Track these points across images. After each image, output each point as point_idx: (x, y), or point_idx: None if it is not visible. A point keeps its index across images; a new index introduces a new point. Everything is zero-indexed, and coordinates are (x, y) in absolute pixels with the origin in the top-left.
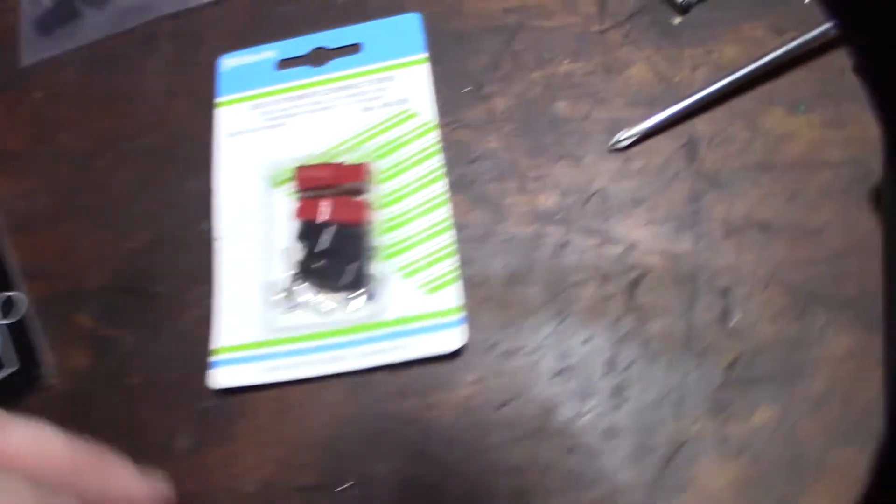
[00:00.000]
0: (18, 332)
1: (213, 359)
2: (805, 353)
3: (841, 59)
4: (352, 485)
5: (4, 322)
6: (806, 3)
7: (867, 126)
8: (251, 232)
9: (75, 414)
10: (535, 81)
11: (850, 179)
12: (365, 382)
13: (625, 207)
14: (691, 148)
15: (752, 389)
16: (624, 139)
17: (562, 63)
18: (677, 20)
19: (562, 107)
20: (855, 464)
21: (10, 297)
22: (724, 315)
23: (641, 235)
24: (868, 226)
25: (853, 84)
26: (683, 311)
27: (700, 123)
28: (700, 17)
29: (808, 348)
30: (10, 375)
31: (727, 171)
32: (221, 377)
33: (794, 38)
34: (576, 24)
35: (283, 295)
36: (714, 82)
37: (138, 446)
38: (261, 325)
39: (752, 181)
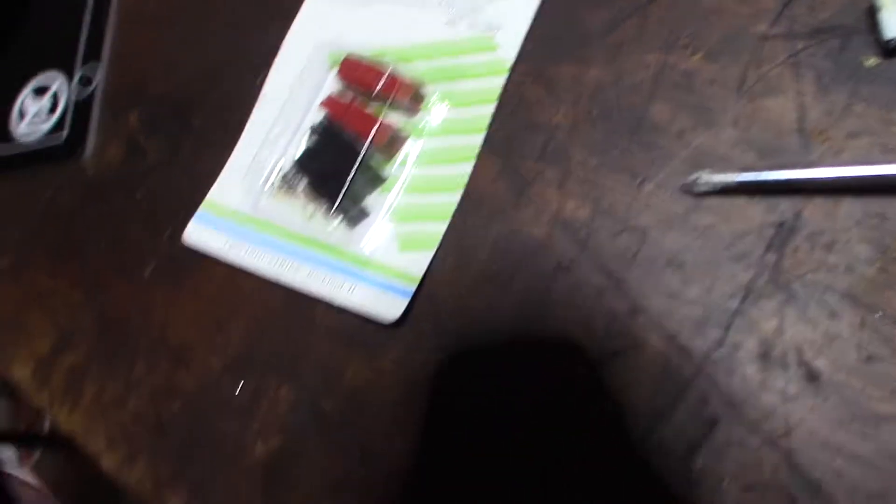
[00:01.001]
0: (82, 107)
1: (199, 210)
2: None
3: None
4: (244, 389)
5: (77, 94)
6: None
7: None
8: (290, 104)
9: (90, 200)
10: (647, 64)
11: None
12: (304, 304)
13: (656, 264)
14: (784, 233)
15: None
16: (703, 183)
17: (692, 55)
18: (872, 61)
19: (658, 109)
20: None
21: (92, 68)
22: (692, 450)
23: (656, 305)
24: None
25: None
26: (648, 419)
27: (815, 208)
28: None
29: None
30: (60, 145)
31: (811, 282)
32: (195, 233)
33: None
34: (740, 14)
35: (282, 179)
36: (867, 163)
37: (119, 258)
38: (250, 198)
39: (833, 311)
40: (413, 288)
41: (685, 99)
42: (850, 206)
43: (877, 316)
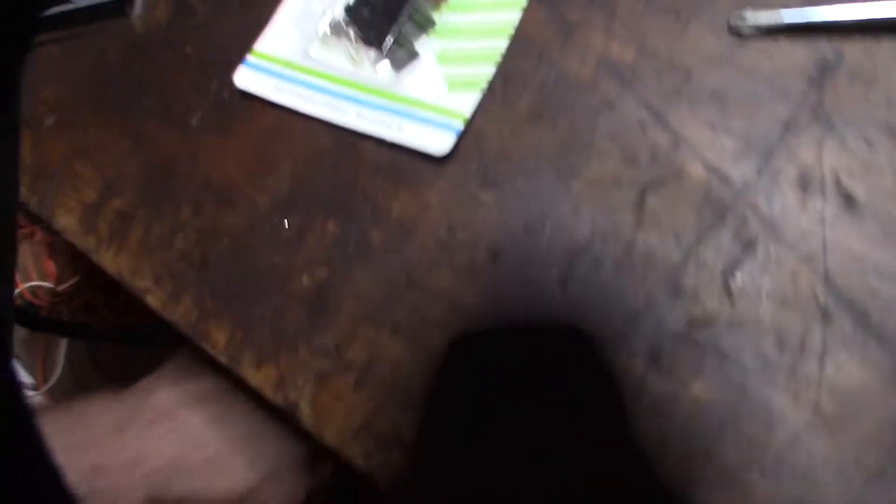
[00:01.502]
0: None
1: (247, 58)
2: (790, 359)
3: None
4: (292, 226)
5: None
6: None
7: None
8: None
9: (137, 59)
10: None
11: None
12: (353, 143)
13: (701, 99)
14: (824, 70)
15: (704, 358)
16: (749, 22)
17: None
18: None
19: None
20: None
21: None
22: (732, 268)
23: (699, 137)
24: None
25: None
26: (690, 240)
27: (854, 47)
28: None
29: (801, 357)
30: (107, 2)
31: (850, 116)
32: (244, 77)
33: None
34: None
35: (330, 28)
36: None
37: (166, 110)
38: (299, 47)
39: (869, 142)
40: (462, 124)
41: None
42: (890, 44)
43: None
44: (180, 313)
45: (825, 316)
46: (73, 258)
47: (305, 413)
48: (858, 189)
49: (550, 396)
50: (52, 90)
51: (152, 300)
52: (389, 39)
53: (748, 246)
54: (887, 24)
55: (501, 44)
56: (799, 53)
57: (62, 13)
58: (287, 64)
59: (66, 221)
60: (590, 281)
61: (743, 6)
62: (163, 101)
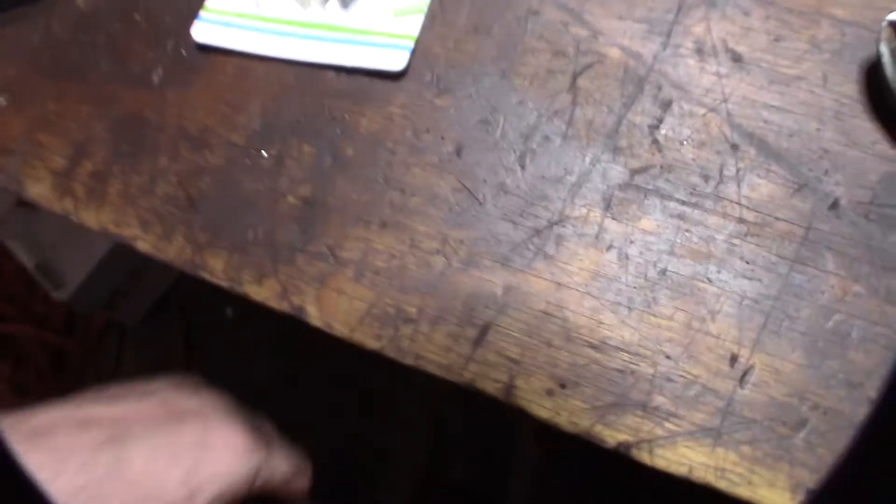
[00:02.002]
0: None
1: (201, 14)
2: (713, 186)
3: None
4: (270, 155)
5: None
6: None
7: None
8: None
9: (85, 30)
10: None
11: (848, 43)
12: (314, 75)
13: None
14: None
15: (648, 198)
16: None
17: None
18: None
19: None
20: (710, 301)
21: None
22: (656, 124)
23: (611, 27)
24: (843, 93)
25: None
26: (618, 108)
27: None
28: None
29: (721, 183)
30: None
31: None
32: (201, 31)
33: None
34: None
35: None
36: None
37: (124, 72)
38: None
39: (745, 11)
40: (412, 43)
41: None
42: None
43: (776, 8)
44: (174, 252)
45: (734, 148)
46: None
47: (312, 314)
48: (742, 48)
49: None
50: (0, 71)
51: (143, 245)
52: None
53: (665, 105)
54: None
55: None
56: None
57: None
58: (239, 14)
59: (38, 189)
60: (544, 153)
61: None
62: (119, 65)
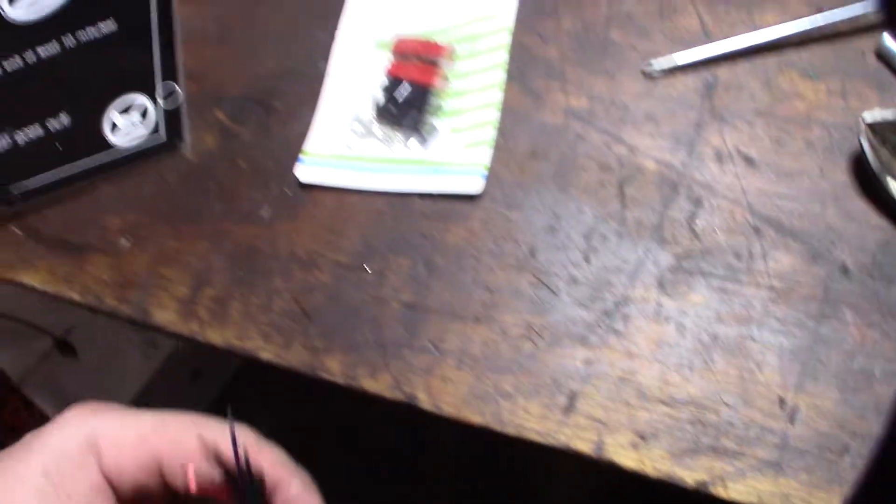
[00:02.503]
0: (172, 114)
1: (301, 158)
2: (744, 263)
3: (864, 44)
4: (372, 270)
5: (164, 104)
6: None
7: (868, 103)
8: (353, 78)
9: (196, 179)
10: (600, 12)
11: (836, 141)
12: (403, 202)
13: (638, 121)
14: (709, 87)
15: (694, 278)
16: (655, 67)
17: (626, 2)
18: None
19: (615, 34)
20: (756, 356)
21: (173, 87)
22: (692, 217)
23: (644, 144)
24: (837, 180)
25: (869, 67)
26: (660, 208)
27: (723, 70)
28: None
29: (750, 260)
30: (159, 142)
31: (732, 111)
32: (303, 172)
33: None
34: None
35: (362, 126)
36: (740, 35)
37: (235, 211)
38: (341, 143)
39: (749, 123)
40: (485, 169)
41: (629, 26)
42: (743, 65)
43: (774, 119)
44: (294, 358)
45: (757, 231)
46: None
47: (423, 399)
48: (752, 152)
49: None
50: (119, 218)
51: (266, 354)
52: (420, 123)
53: (697, 202)
54: (734, 53)
55: (494, 113)
56: (691, 81)
57: (111, 158)
58: (334, 157)
59: (164, 316)
60: (603, 249)
61: (647, 58)
62: (230, 205)
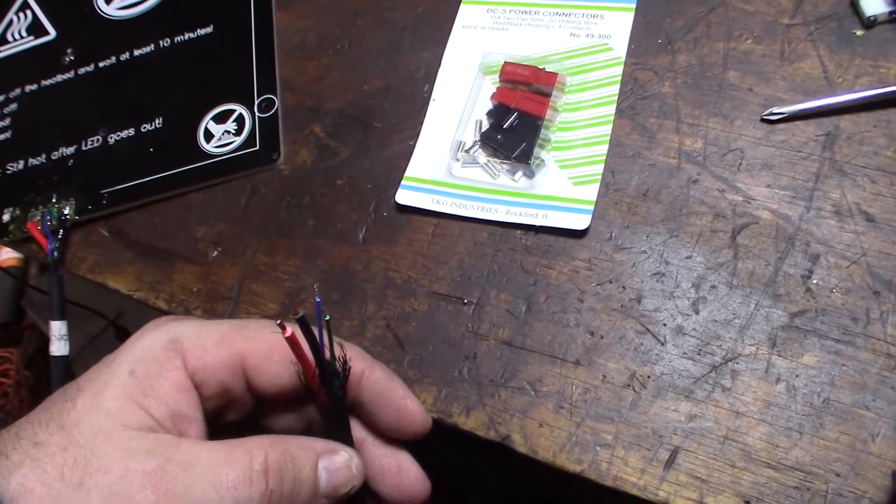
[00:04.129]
0: (268, 125)
1: (402, 182)
2: (861, 327)
3: None
4: (470, 302)
5: (261, 115)
6: None
7: None
8: (457, 102)
9: (291, 193)
10: (717, 50)
11: None
12: (505, 234)
13: (755, 168)
14: (830, 139)
15: (807, 338)
16: (775, 114)
17: (745, 41)
18: (860, 32)
19: (732, 75)
20: (869, 425)
21: (270, 98)
22: (807, 274)
23: (761, 193)
24: None
25: None
26: (774, 261)
27: (846, 121)
28: (881, 36)
29: (868, 324)
30: (254, 153)
31: (854, 165)
32: (404, 196)
33: None
34: (769, 13)
35: (466, 153)
36: (870, 90)
37: (330, 229)
38: (444, 169)
39: (872, 180)
40: (592, 207)
41: (747, 67)
42: (867, 117)
43: None
44: None
45: (876, 294)
46: None
47: (518, 441)
48: (874, 210)
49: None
50: (209, 228)
51: None
52: (531, 154)
53: (814, 259)
54: (858, 104)
55: (603, 149)
56: (811, 129)
57: (204, 166)
58: (436, 182)
59: None
60: (713, 300)
61: (768, 105)
62: (326, 224)
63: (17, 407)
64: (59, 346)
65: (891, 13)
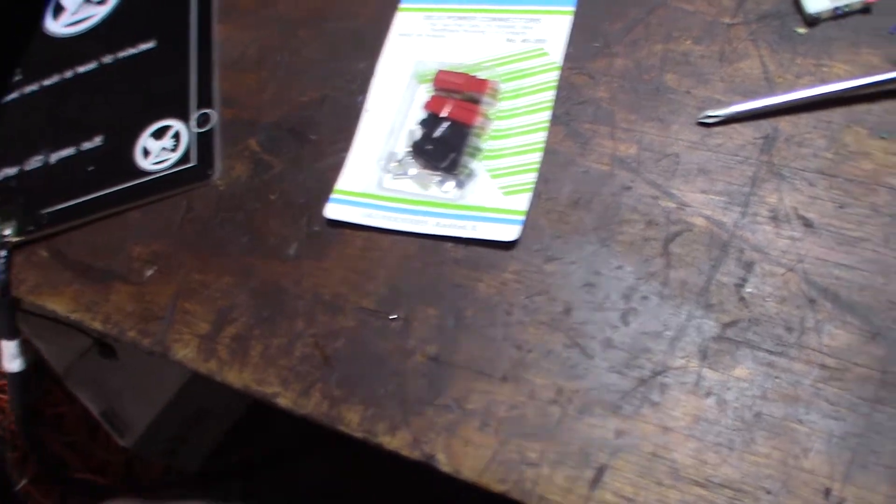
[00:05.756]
0: (205, 141)
1: (332, 195)
2: (796, 337)
3: None
4: (398, 318)
5: (197, 130)
6: None
7: None
8: (390, 112)
9: (225, 209)
10: (656, 52)
11: None
12: (434, 246)
13: (690, 173)
14: (769, 141)
15: (739, 349)
16: (712, 116)
17: (685, 42)
18: (802, 30)
19: (670, 78)
20: (802, 440)
21: (207, 113)
22: (741, 283)
23: (695, 199)
24: None
25: None
26: (707, 270)
27: (785, 123)
28: (825, 34)
29: (802, 334)
30: (189, 169)
31: (793, 168)
32: (333, 210)
33: None
34: (710, 12)
35: (397, 164)
36: (810, 88)
37: (263, 245)
38: (374, 181)
39: (810, 183)
40: (522, 217)
41: (686, 69)
42: (807, 118)
43: (838, 180)
44: (312, 406)
45: (812, 303)
46: None
47: (442, 461)
48: (811, 215)
49: None
50: (145, 246)
51: (283, 401)
52: (458, 164)
53: (748, 266)
54: (798, 104)
55: (536, 157)
56: (749, 132)
57: (141, 184)
58: (366, 195)
59: (185, 353)
60: (644, 311)
61: (706, 108)
62: (258, 240)
63: (12, 422)
64: (13, 364)
65: (835, 10)
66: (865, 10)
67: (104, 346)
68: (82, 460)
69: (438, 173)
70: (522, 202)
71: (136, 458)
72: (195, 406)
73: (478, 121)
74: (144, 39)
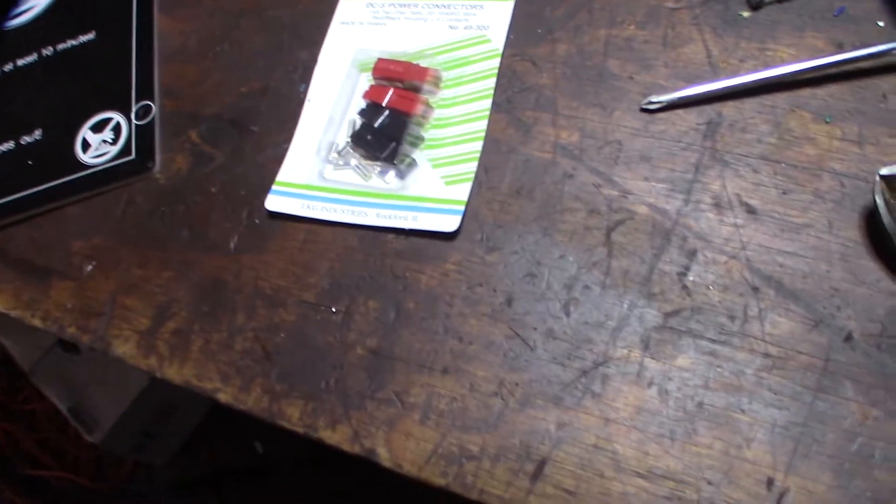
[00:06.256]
0: (145, 133)
1: (273, 187)
2: (738, 325)
3: (886, 85)
4: (339, 311)
5: (137, 122)
6: (879, 26)
7: (886, 151)
8: (332, 101)
9: (165, 203)
10: (599, 38)
11: (848, 193)
12: (376, 238)
13: (633, 161)
14: (712, 127)
15: (682, 339)
16: (654, 102)
17: (628, 27)
18: (746, 14)
19: (613, 64)
20: (744, 430)
21: (148, 104)
22: (684, 271)
23: (638, 187)
24: (847, 237)
25: (889, 111)
26: (649, 258)
27: (729, 108)
28: (769, 17)
29: (745, 322)
30: (129, 162)
31: (736, 154)
32: (274, 202)
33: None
34: None
35: (338, 154)
36: (754, 72)
37: (203, 239)
38: (315, 173)
39: (754, 169)
40: (462, 207)
41: (629, 55)
42: (751, 103)
43: (781, 166)
44: (253, 402)
45: (755, 290)
46: None
47: (382, 455)
48: (755, 201)
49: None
50: (85, 241)
51: (223, 396)
52: (398, 154)
53: (691, 255)
54: (742, 89)
55: (477, 145)
56: (692, 118)
57: (81, 178)
58: (307, 187)
59: (124, 349)
60: (586, 301)
61: (649, 94)
62: (198, 233)
63: None
64: None
65: None
66: None
67: (66, 342)
68: (55, 457)
69: (379, 163)
70: (464, 192)
71: (105, 455)
72: (162, 401)
73: (419, 109)
74: (85, 31)
